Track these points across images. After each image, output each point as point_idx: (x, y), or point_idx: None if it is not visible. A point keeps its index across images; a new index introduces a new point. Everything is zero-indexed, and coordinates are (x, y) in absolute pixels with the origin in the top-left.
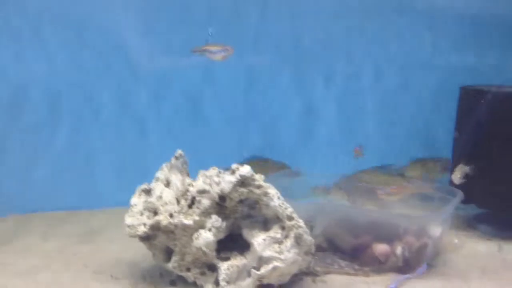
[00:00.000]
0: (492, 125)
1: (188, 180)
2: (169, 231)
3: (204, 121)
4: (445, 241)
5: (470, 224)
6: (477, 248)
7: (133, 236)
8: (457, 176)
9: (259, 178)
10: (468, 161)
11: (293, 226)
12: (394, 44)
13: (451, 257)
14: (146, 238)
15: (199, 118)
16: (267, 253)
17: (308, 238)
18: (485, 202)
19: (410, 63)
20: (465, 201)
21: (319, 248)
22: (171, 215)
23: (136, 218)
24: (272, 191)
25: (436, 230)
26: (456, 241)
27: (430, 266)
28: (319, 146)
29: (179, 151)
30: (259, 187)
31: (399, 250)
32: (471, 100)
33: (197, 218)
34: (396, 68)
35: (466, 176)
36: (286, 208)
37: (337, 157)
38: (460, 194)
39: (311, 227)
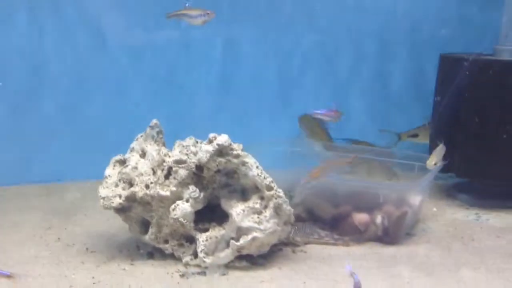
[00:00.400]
0: (471, 93)
1: (164, 150)
2: (146, 202)
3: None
4: (424, 210)
5: (449, 193)
6: (455, 217)
7: (108, 208)
8: (431, 163)
9: (237, 147)
10: (447, 130)
11: (272, 196)
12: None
13: (430, 226)
14: (121, 210)
15: (174, 86)
16: (246, 223)
17: (287, 208)
18: (464, 171)
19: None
20: (444, 170)
21: (298, 218)
22: (147, 186)
23: (111, 190)
24: (251, 160)
25: (415, 199)
26: (435, 209)
27: (409, 234)
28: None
29: (154, 121)
30: (237, 156)
31: (378, 219)
32: (450, 67)
33: (174, 189)
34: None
35: (444, 158)
36: (265, 178)
37: None
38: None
39: (290, 196)
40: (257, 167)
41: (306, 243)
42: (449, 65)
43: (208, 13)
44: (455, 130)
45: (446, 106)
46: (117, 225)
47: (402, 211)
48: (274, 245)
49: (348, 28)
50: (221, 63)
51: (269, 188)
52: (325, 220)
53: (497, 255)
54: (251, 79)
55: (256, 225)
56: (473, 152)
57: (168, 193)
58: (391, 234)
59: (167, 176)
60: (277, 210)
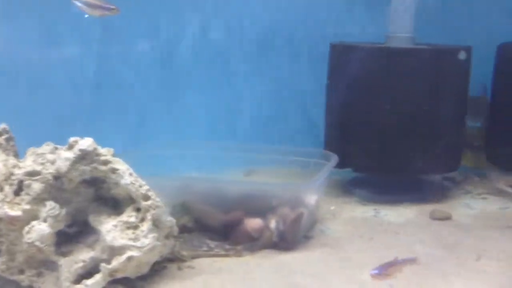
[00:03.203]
0: (362, 82)
1: (12, 161)
2: None
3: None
4: (322, 209)
5: (346, 189)
6: (354, 214)
7: None
8: None
9: (106, 152)
10: (341, 123)
11: (149, 206)
12: None
13: (328, 226)
14: None
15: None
16: (119, 241)
17: (168, 219)
18: (359, 166)
19: None
20: (340, 165)
21: (184, 229)
22: None
23: None
24: (122, 166)
25: (311, 198)
26: (333, 208)
27: (307, 237)
28: None
29: (2, 125)
30: (105, 162)
31: (273, 223)
32: (340, 56)
33: (27, 207)
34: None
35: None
36: (140, 186)
37: None
38: (334, 158)
39: (173, 206)
40: (130, 174)
41: (194, 257)
42: (339, 53)
43: (111, 8)
44: (349, 123)
45: (338, 98)
46: None
47: (298, 212)
48: (157, 263)
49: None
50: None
51: (146, 198)
52: (215, 229)
53: (398, 254)
54: None
55: (131, 242)
56: (368, 145)
57: (19, 213)
58: (288, 239)
59: (17, 192)
60: (157, 222)
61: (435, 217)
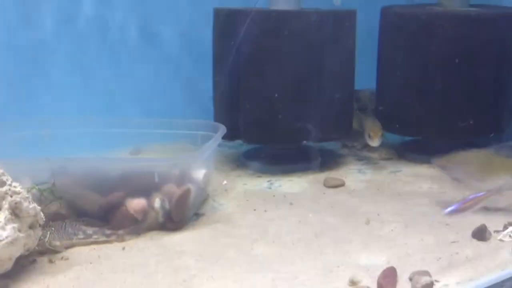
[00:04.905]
0: (249, 48)
1: None
2: None
3: None
4: (213, 184)
5: (240, 162)
6: (247, 188)
7: None
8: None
9: None
10: (230, 93)
11: (5, 193)
12: None
13: (220, 202)
14: None
15: None
16: None
17: (31, 206)
18: (249, 137)
19: None
20: (231, 137)
21: (56, 216)
22: None
23: None
24: None
25: (199, 173)
26: (225, 182)
27: (197, 215)
28: None
29: None
30: None
31: (157, 202)
32: (225, 22)
33: None
34: None
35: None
36: None
37: None
38: (222, 129)
39: (41, 191)
40: None
41: (68, 247)
42: (223, 19)
43: None
44: (237, 93)
45: (225, 66)
46: None
47: (184, 189)
48: (23, 257)
49: None
50: None
51: (0, 184)
52: (92, 213)
53: (292, 225)
54: None
55: None
56: (258, 115)
57: None
58: (175, 218)
59: None
60: (16, 211)
61: (328, 185)
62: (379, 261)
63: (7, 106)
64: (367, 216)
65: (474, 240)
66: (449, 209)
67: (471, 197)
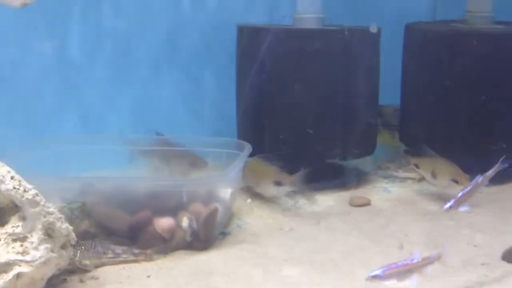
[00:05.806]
0: (273, 66)
1: None
2: None
3: None
4: (238, 202)
5: None
6: (272, 206)
7: None
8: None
9: None
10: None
11: (39, 214)
12: None
13: (246, 221)
14: None
15: None
16: (4, 256)
17: (63, 226)
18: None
19: None
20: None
21: (86, 235)
22: None
23: None
24: (1, 169)
25: (225, 192)
26: (249, 200)
27: (223, 234)
28: None
29: None
30: None
31: (185, 221)
32: (249, 39)
33: None
34: None
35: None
36: (25, 191)
37: None
38: (248, 148)
39: (71, 210)
40: (12, 177)
41: (98, 266)
42: (247, 37)
43: None
44: (261, 109)
45: (248, 83)
46: None
47: (212, 208)
48: (54, 277)
49: None
50: None
51: (34, 204)
52: (120, 232)
53: (319, 244)
54: None
55: (19, 257)
56: (283, 133)
57: None
58: (202, 237)
59: None
60: (49, 231)
61: (354, 204)
62: (406, 283)
63: (37, 123)
64: (395, 236)
65: (504, 262)
66: (447, 205)
67: (464, 191)
